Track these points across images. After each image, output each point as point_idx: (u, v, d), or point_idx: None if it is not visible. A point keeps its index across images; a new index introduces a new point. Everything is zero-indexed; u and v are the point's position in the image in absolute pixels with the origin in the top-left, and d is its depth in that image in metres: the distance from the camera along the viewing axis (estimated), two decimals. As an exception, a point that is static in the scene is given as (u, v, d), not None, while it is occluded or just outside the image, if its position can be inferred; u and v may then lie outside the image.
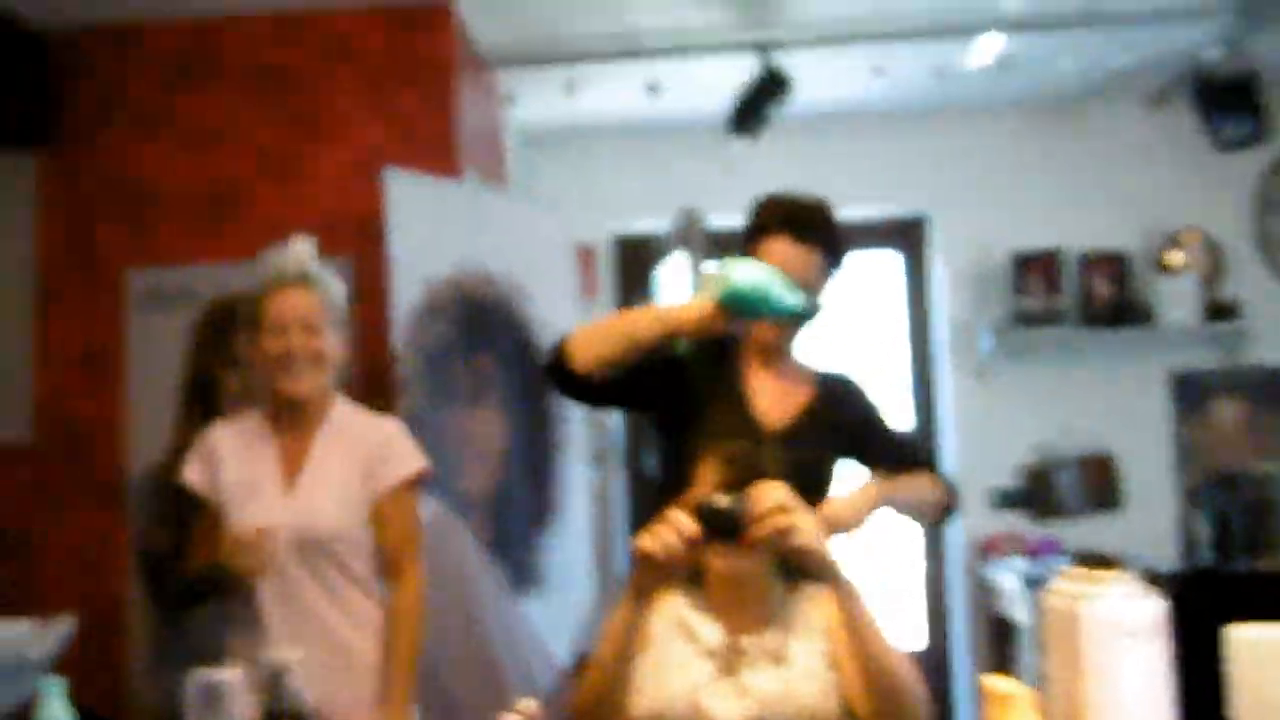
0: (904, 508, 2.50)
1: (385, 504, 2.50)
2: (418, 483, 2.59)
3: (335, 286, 2.58)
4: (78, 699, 1.63)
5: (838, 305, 2.73)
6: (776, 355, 2.58)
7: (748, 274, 2.34)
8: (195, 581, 2.47)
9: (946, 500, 2.61)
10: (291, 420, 2.53)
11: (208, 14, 3.93)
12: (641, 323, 2.49)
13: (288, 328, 2.46)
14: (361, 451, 2.52)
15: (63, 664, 2.43)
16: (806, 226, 2.50)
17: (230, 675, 1.37)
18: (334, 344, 2.53)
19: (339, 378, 2.62)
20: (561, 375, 2.53)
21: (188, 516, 2.60)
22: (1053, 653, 1.24)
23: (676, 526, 1.91)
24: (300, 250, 2.55)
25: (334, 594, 2.41)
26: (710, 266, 2.60)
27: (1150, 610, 1.18)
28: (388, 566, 2.51)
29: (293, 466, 2.50)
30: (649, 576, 1.98)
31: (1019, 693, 1.22)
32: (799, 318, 2.46)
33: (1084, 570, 1.23)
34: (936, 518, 2.65)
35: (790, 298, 2.37)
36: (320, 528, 2.42)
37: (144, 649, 3.38)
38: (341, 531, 2.44)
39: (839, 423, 2.54)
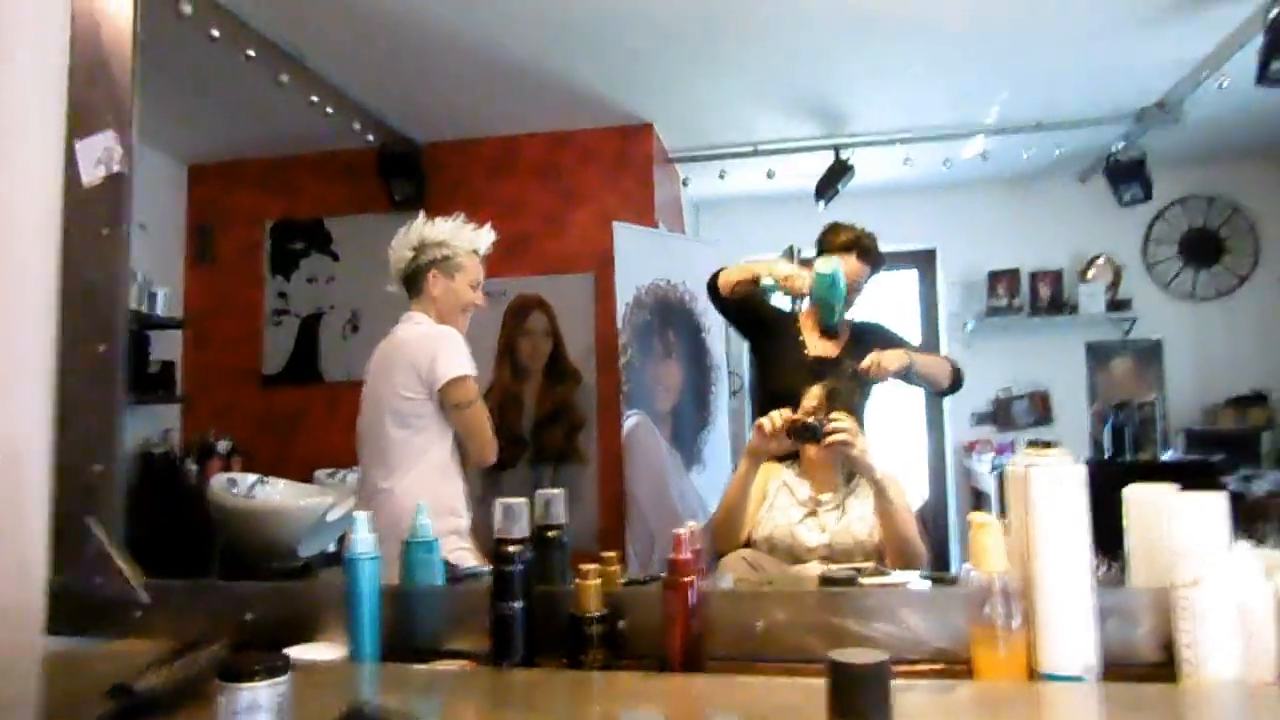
0: (924, 370, 2.43)
1: None
2: None
3: None
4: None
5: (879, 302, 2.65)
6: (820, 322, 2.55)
7: (840, 275, 2.37)
8: None
9: (954, 377, 2.54)
10: None
11: (512, 133, 4.09)
12: (762, 267, 2.54)
13: (480, 286, 2.33)
14: None
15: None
16: (866, 250, 2.51)
17: (521, 500, 1.27)
18: None
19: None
20: (711, 287, 2.67)
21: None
22: (1012, 500, 1.20)
23: (780, 416, 2.05)
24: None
25: None
26: (823, 261, 2.40)
27: (1075, 472, 1.15)
28: None
29: None
30: (759, 442, 2.08)
31: (992, 521, 1.17)
32: (828, 324, 2.47)
33: (1035, 448, 1.21)
34: (948, 386, 2.53)
35: (839, 310, 2.43)
36: None
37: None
38: None
39: (870, 348, 2.40)
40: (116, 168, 1.45)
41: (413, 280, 2.32)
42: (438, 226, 2.31)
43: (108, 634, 1.36)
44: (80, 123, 1.46)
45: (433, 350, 2.20)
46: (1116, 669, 1.15)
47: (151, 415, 3.99)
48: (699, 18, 3.11)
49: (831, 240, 2.54)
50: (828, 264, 2.34)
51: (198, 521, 3.10)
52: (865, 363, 2.29)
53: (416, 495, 1.99)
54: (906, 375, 2.38)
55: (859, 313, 2.62)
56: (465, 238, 2.32)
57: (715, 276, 2.66)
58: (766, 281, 2.52)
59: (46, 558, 1.37)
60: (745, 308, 2.65)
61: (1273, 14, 2.79)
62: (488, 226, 2.36)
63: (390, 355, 2.29)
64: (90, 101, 1.47)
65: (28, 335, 1.39)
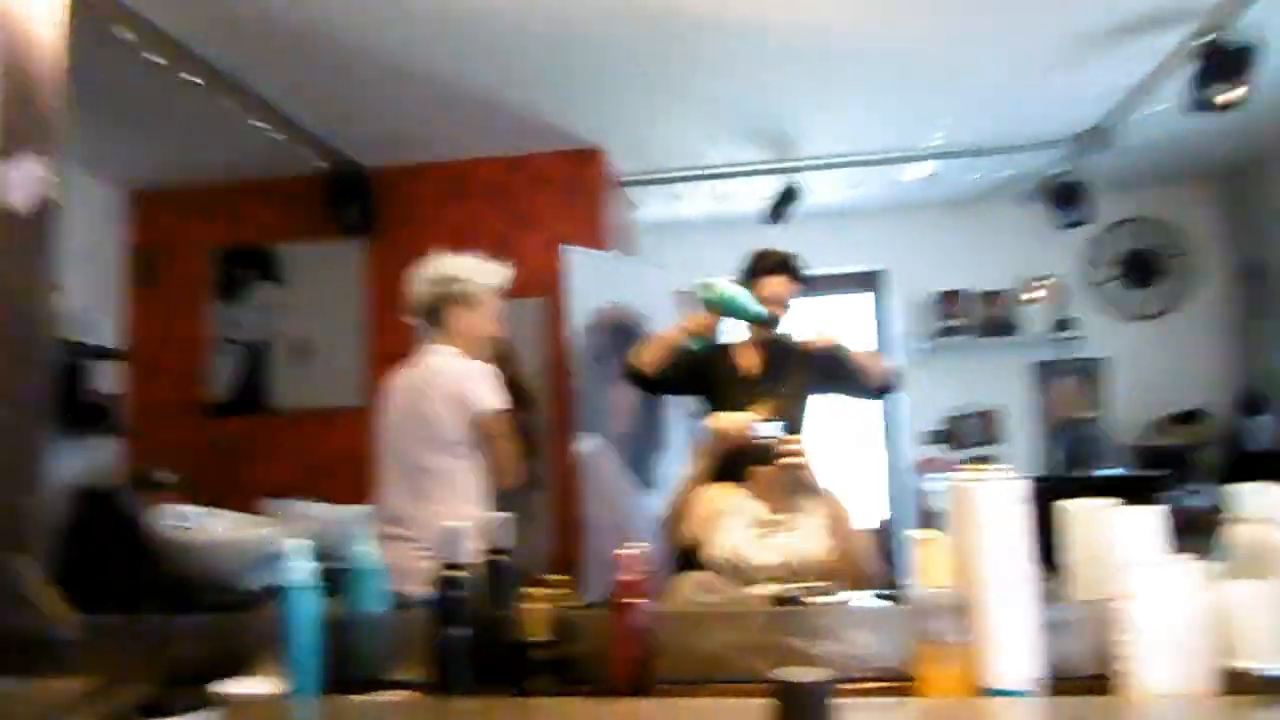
0: (858, 356, 2.53)
1: None
2: None
3: None
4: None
5: (811, 317, 2.75)
6: (764, 338, 2.65)
7: (723, 288, 2.43)
8: None
9: (889, 376, 2.65)
10: None
11: (463, 158, 4.06)
12: (670, 335, 2.65)
13: (497, 319, 2.44)
14: None
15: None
16: (794, 269, 2.66)
17: (466, 524, 1.28)
18: None
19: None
20: (634, 376, 2.74)
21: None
22: (956, 514, 1.21)
23: (736, 420, 2.12)
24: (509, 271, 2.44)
25: None
26: (703, 288, 2.49)
27: (1015, 487, 1.15)
28: None
29: None
30: (716, 443, 2.16)
31: (935, 537, 1.21)
32: (759, 319, 2.51)
33: (976, 465, 1.23)
34: (881, 384, 2.63)
35: (752, 307, 2.46)
36: None
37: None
38: None
39: (801, 360, 2.54)
40: (45, 193, 1.41)
41: (433, 314, 2.41)
42: (457, 262, 2.41)
43: (31, 672, 1.30)
44: (7, 147, 1.42)
45: (475, 383, 2.31)
46: (1059, 682, 1.15)
47: (91, 448, 3.86)
48: (649, 46, 3.15)
49: (762, 264, 2.66)
50: (708, 289, 2.41)
51: (139, 557, 2.97)
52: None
53: (461, 519, 2.08)
54: (842, 358, 2.48)
55: (789, 330, 2.70)
56: (484, 273, 2.41)
57: (632, 368, 2.70)
58: (684, 342, 2.58)
59: (-34, 595, 1.31)
60: (679, 374, 2.68)
61: (1202, 42, 2.87)
62: (506, 264, 2.46)
63: (427, 383, 2.34)
64: (18, 125, 1.43)
65: (-51, 364, 1.34)
